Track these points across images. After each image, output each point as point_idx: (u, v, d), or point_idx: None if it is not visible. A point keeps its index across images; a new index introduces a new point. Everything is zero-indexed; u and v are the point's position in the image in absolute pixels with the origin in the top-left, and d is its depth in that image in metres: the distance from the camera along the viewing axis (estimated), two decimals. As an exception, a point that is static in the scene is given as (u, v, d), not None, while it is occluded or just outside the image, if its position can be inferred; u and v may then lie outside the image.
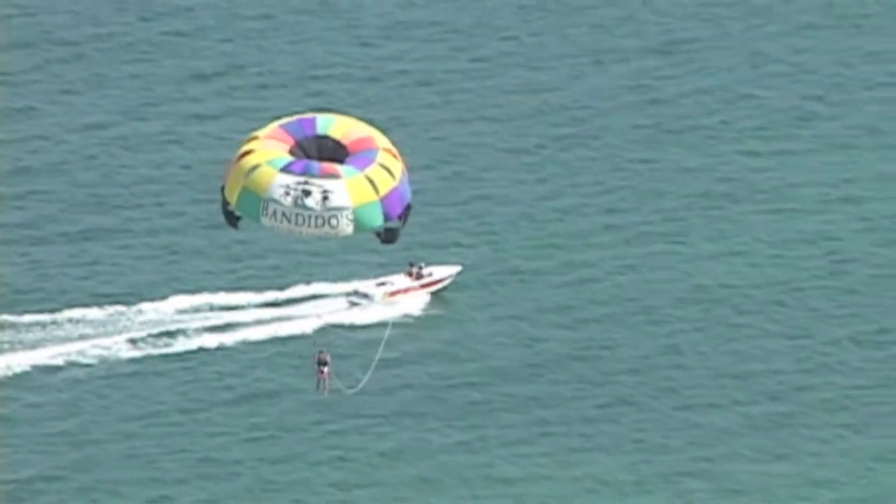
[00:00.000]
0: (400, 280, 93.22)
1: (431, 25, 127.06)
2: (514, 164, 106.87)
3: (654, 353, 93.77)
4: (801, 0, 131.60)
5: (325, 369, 56.21)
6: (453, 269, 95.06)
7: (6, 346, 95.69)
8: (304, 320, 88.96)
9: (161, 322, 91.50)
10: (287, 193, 45.19)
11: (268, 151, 46.33)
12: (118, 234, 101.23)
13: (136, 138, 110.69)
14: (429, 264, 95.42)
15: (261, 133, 47.06)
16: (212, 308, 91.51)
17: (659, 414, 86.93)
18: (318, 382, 56.62)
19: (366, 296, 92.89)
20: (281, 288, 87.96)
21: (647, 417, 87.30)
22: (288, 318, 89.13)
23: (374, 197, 45.49)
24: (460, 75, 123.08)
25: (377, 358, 73.01)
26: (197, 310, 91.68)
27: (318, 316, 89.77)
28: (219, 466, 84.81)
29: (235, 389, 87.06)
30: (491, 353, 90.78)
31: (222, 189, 45.79)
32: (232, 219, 45.79)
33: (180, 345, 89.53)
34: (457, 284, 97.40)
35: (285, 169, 45.07)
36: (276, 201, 45.04)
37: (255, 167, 45.67)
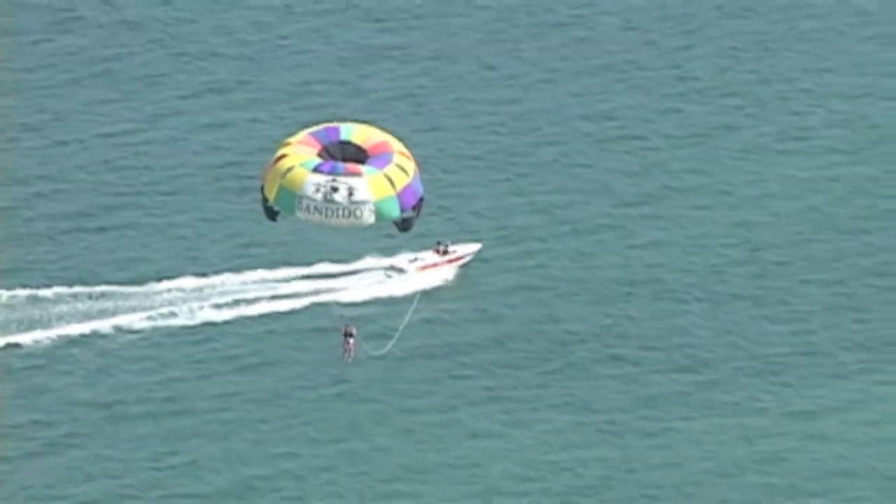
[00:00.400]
0: (429, 256, 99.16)
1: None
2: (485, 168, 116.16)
3: (598, 327, 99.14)
4: (724, 27, 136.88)
5: (351, 340, 59.89)
6: (474, 247, 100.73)
7: (46, 319, 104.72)
8: (344, 292, 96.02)
9: (221, 293, 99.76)
10: (318, 190, 49.29)
11: (300, 155, 50.09)
12: (162, 220, 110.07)
13: (156, 144, 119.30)
14: (454, 243, 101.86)
15: (293, 140, 50.89)
16: (258, 281, 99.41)
17: (603, 378, 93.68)
18: (344, 352, 60.31)
19: (401, 270, 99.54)
20: (331, 261, 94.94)
21: (592, 382, 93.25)
22: (330, 291, 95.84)
23: (391, 192, 49.62)
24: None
25: (403, 325, 79.55)
26: (247, 284, 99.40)
27: (358, 288, 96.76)
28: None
29: (268, 355, 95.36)
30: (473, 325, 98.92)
31: (262, 188, 49.69)
32: (271, 213, 49.53)
33: (228, 315, 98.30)
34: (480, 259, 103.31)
35: (316, 169, 49.17)
36: (308, 197, 49.13)
37: (290, 169, 49.51)
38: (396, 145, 51.43)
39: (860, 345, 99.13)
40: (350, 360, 61.71)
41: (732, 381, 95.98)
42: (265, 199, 49.91)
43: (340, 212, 50.03)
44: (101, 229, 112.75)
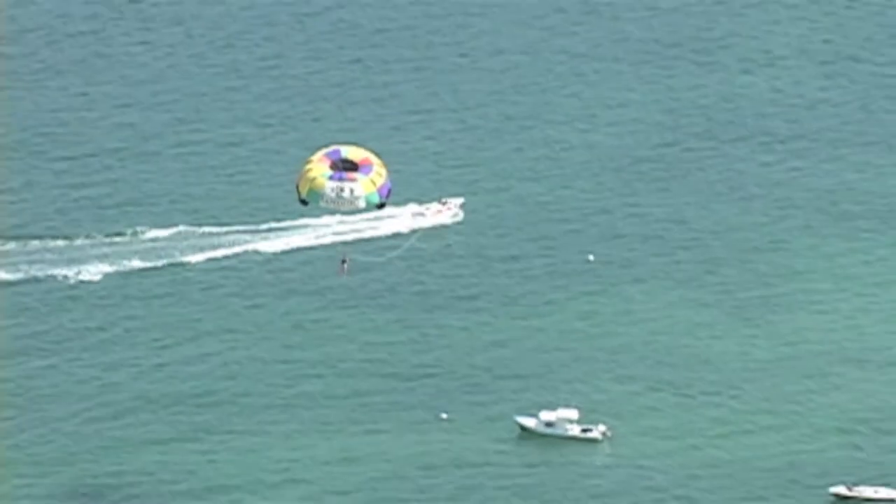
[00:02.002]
0: (434, 206, 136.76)
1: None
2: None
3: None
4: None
5: (345, 266, 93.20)
6: (459, 200, 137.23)
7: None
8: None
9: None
10: (332, 191, 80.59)
11: (319, 168, 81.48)
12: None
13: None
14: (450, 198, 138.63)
15: (314, 158, 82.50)
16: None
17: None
18: (340, 271, 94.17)
19: (422, 214, 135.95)
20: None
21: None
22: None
23: (374, 189, 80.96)
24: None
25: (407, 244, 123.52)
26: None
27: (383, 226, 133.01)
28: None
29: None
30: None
31: (297, 187, 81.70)
32: (303, 202, 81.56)
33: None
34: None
35: (330, 178, 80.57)
36: (326, 195, 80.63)
37: (314, 178, 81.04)
38: (375, 160, 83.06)
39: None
40: (345, 275, 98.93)
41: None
42: (299, 194, 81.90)
43: (345, 202, 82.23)
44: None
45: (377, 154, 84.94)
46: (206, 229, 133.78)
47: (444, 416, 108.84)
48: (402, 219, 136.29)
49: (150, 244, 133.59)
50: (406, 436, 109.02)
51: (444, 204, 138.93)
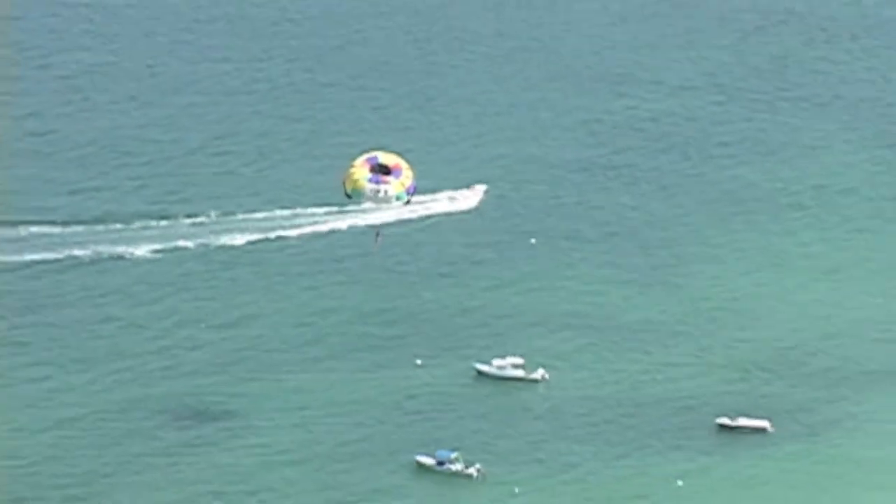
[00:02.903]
0: (465, 192, 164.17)
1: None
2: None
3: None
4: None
5: (379, 239, 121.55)
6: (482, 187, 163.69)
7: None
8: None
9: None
10: (370, 191, 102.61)
11: (361, 171, 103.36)
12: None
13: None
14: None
15: (357, 162, 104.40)
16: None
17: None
18: (375, 243, 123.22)
19: (455, 199, 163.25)
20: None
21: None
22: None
23: (402, 189, 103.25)
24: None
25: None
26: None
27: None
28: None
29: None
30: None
31: (343, 184, 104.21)
32: (348, 197, 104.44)
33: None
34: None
35: (369, 180, 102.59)
36: (367, 195, 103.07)
37: (357, 179, 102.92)
38: (404, 165, 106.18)
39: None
40: (377, 247, 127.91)
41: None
42: (345, 190, 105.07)
43: (380, 200, 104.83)
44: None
45: (406, 159, 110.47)
46: (283, 212, 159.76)
47: (419, 362, 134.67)
48: (439, 202, 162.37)
49: (199, 227, 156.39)
50: (390, 376, 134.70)
51: (450, 198, 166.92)
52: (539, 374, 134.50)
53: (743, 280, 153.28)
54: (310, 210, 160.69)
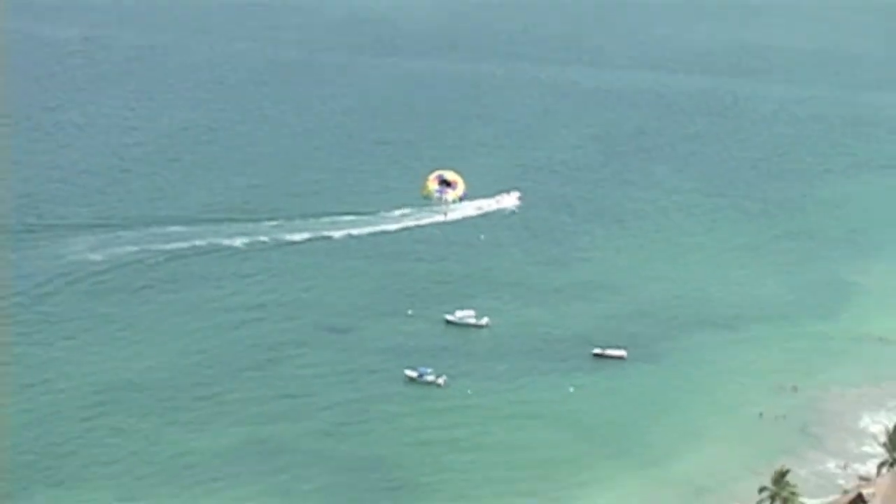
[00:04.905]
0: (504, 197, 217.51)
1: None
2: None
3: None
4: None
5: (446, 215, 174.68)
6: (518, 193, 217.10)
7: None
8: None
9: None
10: (436, 197, 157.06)
11: (432, 184, 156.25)
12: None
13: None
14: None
15: (431, 176, 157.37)
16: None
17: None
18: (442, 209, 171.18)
19: (497, 201, 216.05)
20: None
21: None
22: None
23: (457, 196, 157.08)
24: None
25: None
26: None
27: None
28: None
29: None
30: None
31: (421, 189, 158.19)
32: (425, 198, 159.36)
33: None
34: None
35: (437, 191, 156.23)
36: (434, 197, 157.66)
37: (430, 189, 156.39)
38: (460, 180, 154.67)
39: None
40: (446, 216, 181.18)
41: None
42: (421, 193, 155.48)
43: (442, 203, 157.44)
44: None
45: (462, 175, 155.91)
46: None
47: (410, 312, 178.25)
48: (484, 202, 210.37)
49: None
50: (391, 321, 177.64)
51: (510, 195, 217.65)
52: (485, 321, 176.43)
53: (620, 263, 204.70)
54: (381, 214, 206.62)
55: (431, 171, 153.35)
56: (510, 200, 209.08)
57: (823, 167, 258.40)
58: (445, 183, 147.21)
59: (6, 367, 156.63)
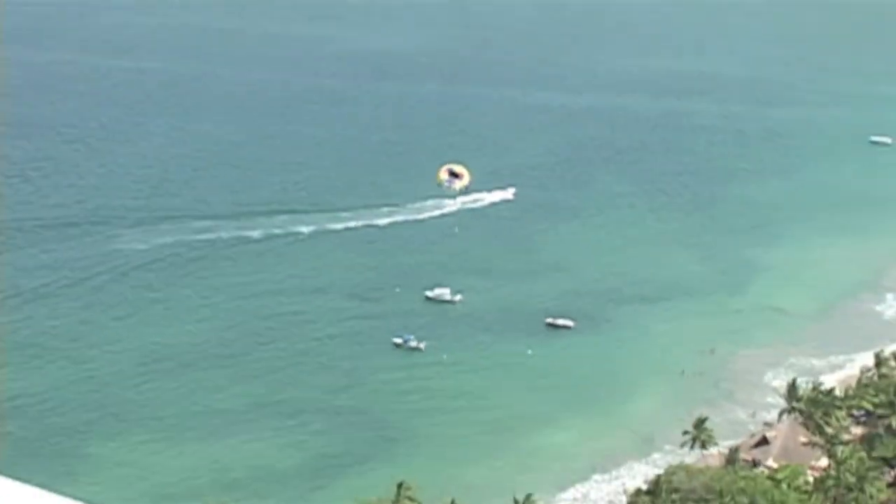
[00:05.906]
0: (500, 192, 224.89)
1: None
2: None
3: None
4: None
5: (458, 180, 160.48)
6: (513, 189, 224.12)
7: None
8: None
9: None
10: (446, 183, 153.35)
11: (444, 175, 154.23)
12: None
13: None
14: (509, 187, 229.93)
15: (442, 168, 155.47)
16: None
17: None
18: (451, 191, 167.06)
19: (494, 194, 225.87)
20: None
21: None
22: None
23: (463, 185, 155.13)
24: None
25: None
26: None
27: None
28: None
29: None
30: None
31: (437, 177, 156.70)
32: (438, 185, 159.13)
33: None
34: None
35: (446, 180, 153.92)
36: (445, 185, 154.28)
37: (441, 178, 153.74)
38: (466, 172, 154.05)
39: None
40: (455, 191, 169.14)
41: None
42: (435, 181, 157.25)
43: (451, 190, 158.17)
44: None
45: (468, 167, 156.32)
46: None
47: (398, 290, 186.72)
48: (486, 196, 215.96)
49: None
50: (380, 296, 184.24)
51: (505, 190, 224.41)
52: (458, 297, 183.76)
53: (572, 249, 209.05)
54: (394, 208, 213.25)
55: (441, 165, 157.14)
56: (503, 195, 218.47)
57: (740, 170, 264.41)
58: (454, 174, 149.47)
59: (72, 343, 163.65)
